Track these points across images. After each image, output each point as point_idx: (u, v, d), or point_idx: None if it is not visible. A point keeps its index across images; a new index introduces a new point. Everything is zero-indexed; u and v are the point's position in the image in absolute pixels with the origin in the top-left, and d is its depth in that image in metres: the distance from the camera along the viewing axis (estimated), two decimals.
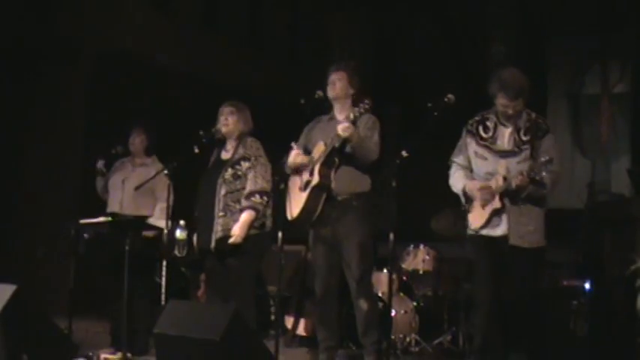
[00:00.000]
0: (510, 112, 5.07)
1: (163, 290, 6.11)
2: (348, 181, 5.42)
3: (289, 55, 12.65)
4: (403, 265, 7.46)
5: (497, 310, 5.16)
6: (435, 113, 5.01)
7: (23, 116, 9.45)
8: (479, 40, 11.82)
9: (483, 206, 5.11)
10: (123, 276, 5.87)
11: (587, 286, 6.77)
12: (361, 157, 5.38)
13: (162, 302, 6.08)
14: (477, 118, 5.26)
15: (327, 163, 5.40)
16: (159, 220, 6.29)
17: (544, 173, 4.82)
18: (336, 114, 5.61)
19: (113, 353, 6.30)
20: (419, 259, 7.43)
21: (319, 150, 5.48)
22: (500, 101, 5.07)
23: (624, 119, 11.04)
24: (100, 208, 6.74)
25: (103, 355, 6.26)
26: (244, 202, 5.69)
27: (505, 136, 5.12)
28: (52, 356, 5.61)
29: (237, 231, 5.64)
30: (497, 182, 5.01)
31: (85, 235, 6.62)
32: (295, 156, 5.56)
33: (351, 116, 5.29)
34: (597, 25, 10.77)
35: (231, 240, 5.64)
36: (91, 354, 6.19)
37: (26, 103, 9.46)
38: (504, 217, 5.06)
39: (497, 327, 5.19)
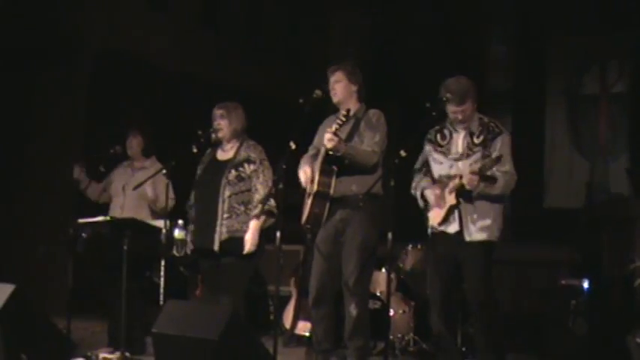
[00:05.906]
0: (460, 117, 5.22)
1: (162, 290, 6.11)
2: (352, 182, 5.36)
3: (288, 54, 12.64)
4: (401, 265, 7.45)
5: (451, 310, 5.44)
6: (434, 113, 5.07)
7: (23, 115, 9.44)
8: (478, 40, 11.82)
9: (440, 206, 5.23)
10: (121, 275, 5.87)
11: (585, 285, 6.78)
12: (356, 164, 5.32)
13: (161, 302, 6.08)
14: (436, 128, 5.41)
15: (324, 172, 5.35)
16: (157, 220, 6.29)
17: (495, 170, 4.99)
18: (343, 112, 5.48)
19: (111, 352, 6.31)
20: (417, 259, 7.43)
21: (321, 155, 5.44)
22: (450, 108, 5.22)
23: (623, 119, 11.04)
24: (99, 207, 6.74)
25: (101, 355, 6.26)
26: (259, 208, 5.61)
27: (459, 142, 5.27)
28: (51, 356, 5.61)
29: (250, 238, 5.62)
30: (453, 182, 5.14)
31: (84, 235, 6.63)
32: (303, 176, 5.50)
33: (342, 114, 5.32)
34: (596, 26, 10.77)
35: (246, 249, 5.60)
36: (89, 353, 6.20)
37: (26, 102, 9.45)
38: (457, 215, 5.19)
39: (450, 326, 5.43)
